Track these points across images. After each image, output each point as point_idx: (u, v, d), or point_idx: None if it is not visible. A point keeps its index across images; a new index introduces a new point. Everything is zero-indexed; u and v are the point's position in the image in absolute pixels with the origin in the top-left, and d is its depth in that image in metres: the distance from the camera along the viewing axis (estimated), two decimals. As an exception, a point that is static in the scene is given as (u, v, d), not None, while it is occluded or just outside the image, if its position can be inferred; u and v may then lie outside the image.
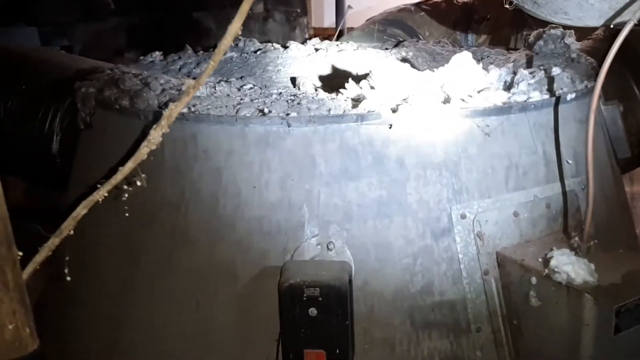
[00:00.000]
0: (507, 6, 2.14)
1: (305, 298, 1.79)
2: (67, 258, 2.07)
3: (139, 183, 1.81)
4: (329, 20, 7.35)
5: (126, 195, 1.93)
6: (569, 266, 1.87)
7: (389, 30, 3.96)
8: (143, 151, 1.53)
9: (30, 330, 1.31)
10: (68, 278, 2.08)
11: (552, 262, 1.90)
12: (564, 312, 1.88)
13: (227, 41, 1.41)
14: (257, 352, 2.00)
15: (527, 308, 1.98)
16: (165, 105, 2.15)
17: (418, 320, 2.03)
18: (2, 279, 1.24)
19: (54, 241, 1.51)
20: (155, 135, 1.52)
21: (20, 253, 1.30)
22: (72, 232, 1.54)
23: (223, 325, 2.04)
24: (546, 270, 1.90)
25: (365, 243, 2.01)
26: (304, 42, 3.39)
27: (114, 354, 2.17)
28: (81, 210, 1.53)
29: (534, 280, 1.94)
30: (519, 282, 2.00)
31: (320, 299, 1.79)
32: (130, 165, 1.53)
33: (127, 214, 2.05)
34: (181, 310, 2.06)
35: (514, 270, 2.01)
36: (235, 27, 1.40)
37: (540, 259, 1.97)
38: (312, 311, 1.80)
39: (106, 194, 1.58)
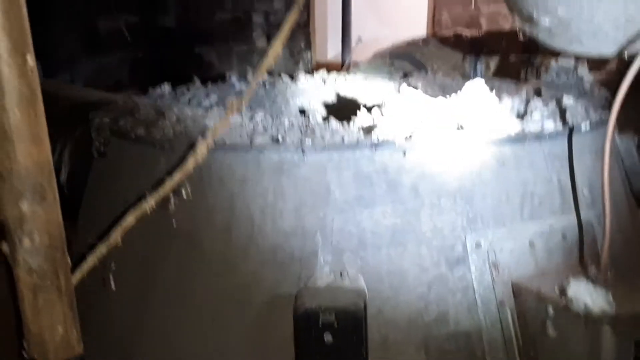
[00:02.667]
0: (520, 38, 2.16)
1: (320, 324, 1.76)
2: (113, 267, 2.07)
3: (184, 193, 1.93)
4: (332, 54, 7.44)
5: (173, 205, 1.98)
6: (587, 296, 1.85)
7: (397, 63, 3.99)
8: (190, 164, 1.63)
9: (77, 334, 1.40)
10: (113, 287, 2.09)
11: (570, 292, 1.87)
12: (581, 342, 1.85)
13: (268, 62, 1.49)
14: (271, 381, 1.97)
15: (544, 339, 1.95)
16: (181, 133, 2.16)
17: (433, 350, 1.99)
18: (56, 284, 1.33)
19: (101, 250, 1.57)
20: (202, 149, 1.62)
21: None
22: (119, 240, 1.58)
23: (236, 354, 2.01)
24: (563, 300, 1.88)
25: (379, 271, 2.00)
26: (306, 73, 3.41)
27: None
28: (130, 219, 1.60)
29: (550, 310, 1.92)
30: (535, 312, 1.97)
31: (336, 324, 1.76)
32: (178, 176, 1.62)
33: (141, 241, 2.05)
34: (194, 340, 2.04)
35: (530, 300, 1.99)
36: (277, 49, 1.48)
37: (556, 289, 1.94)
38: (328, 337, 1.77)
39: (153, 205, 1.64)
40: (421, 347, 1.99)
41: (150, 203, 1.60)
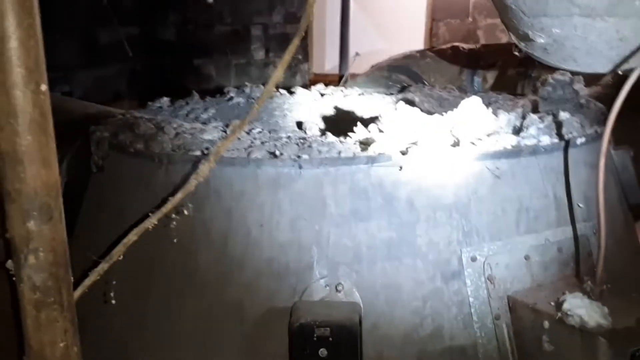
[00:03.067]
0: (516, 53, 2.18)
1: (315, 338, 1.77)
2: (114, 282, 2.10)
3: (186, 212, 1.98)
4: (330, 66, 7.49)
5: (174, 223, 2.02)
6: (582, 309, 1.85)
7: (394, 76, 4.00)
8: (192, 183, 1.74)
9: (77, 350, 1.44)
10: (113, 301, 2.11)
11: (565, 305, 1.88)
12: (577, 356, 1.85)
13: (270, 87, 1.57)
14: (265, 395, 1.97)
15: (540, 353, 1.95)
16: (179, 148, 2.18)
17: (428, 365, 2.00)
18: (59, 300, 1.38)
19: (103, 266, 1.65)
20: (204, 170, 1.73)
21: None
22: (121, 257, 1.63)
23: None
24: (559, 314, 1.88)
25: (374, 285, 2.00)
26: (303, 86, 3.43)
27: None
28: (132, 237, 1.68)
29: (546, 324, 1.92)
30: (531, 327, 1.98)
31: (330, 339, 1.77)
32: (179, 196, 1.70)
33: (139, 252, 2.06)
34: (188, 350, 2.04)
35: (526, 314, 1.99)
36: (278, 74, 1.57)
37: (552, 303, 1.95)
38: (322, 352, 1.78)
39: (156, 222, 1.75)
40: (417, 363, 1.99)
41: (152, 220, 1.65)
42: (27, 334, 1.38)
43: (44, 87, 1.29)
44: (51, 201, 1.33)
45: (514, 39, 2.23)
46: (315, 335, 1.78)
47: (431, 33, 6.70)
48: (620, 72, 2.08)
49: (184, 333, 2.06)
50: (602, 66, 2.07)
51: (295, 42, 1.54)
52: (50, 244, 1.34)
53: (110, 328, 2.20)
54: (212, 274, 2.05)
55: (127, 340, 2.15)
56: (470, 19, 6.46)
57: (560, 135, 2.24)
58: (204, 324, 2.04)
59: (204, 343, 2.04)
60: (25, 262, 1.33)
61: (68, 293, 1.40)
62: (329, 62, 7.39)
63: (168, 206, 1.73)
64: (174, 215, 1.99)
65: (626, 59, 2.02)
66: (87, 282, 1.62)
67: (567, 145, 2.19)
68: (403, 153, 2.02)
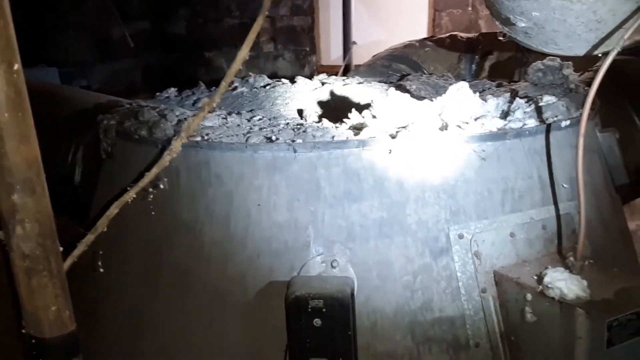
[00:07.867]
0: (500, 38, 2.27)
1: (310, 309, 1.90)
2: (100, 252, 2.26)
3: (162, 186, 2.13)
4: (335, 57, 7.59)
5: (151, 197, 2.19)
6: (562, 282, 1.96)
7: (394, 65, 4.08)
8: (166, 159, 1.83)
9: (69, 313, 1.54)
10: (101, 270, 2.28)
11: (546, 279, 1.98)
12: (557, 326, 1.96)
13: (237, 65, 1.63)
14: (266, 364, 2.10)
15: (524, 324, 2.06)
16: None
17: (419, 336, 2.12)
18: (48, 267, 1.48)
19: (89, 237, 1.74)
20: (177, 145, 1.82)
21: (61, 248, 1.54)
22: (105, 229, 1.73)
23: (234, 337, 2.15)
24: (540, 287, 1.99)
25: (367, 261, 2.12)
26: (311, 77, 3.53)
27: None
28: (114, 209, 1.77)
29: (529, 296, 2.03)
30: (515, 299, 2.09)
31: (324, 310, 1.90)
32: (155, 170, 1.78)
33: (147, 233, 2.19)
34: (194, 321, 2.19)
35: (511, 287, 2.10)
36: (243, 53, 1.62)
37: (535, 277, 2.06)
38: (317, 322, 1.91)
39: (134, 196, 1.88)
40: (407, 333, 2.11)
41: (131, 194, 1.77)
42: (22, 299, 1.49)
43: (17, 66, 1.34)
44: (33, 176, 1.42)
45: (498, 24, 2.31)
46: (309, 306, 1.90)
47: (434, 23, 6.77)
48: (599, 55, 2.16)
49: (192, 305, 2.20)
50: (582, 49, 2.15)
51: (260, 21, 1.63)
52: (35, 215, 1.43)
53: (126, 300, 2.35)
54: (215, 252, 2.18)
55: (141, 312, 2.30)
56: (471, 9, 6.52)
57: (546, 119, 2.33)
58: (210, 296, 2.18)
59: (210, 313, 2.18)
60: (13, 232, 1.43)
61: (57, 261, 1.49)
62: (335, 54, 7.49)
63: (145, 180, 1.85)
64: (150, 190, 2.14)
65: (603, 41, 2.09)
66: (76, 252, 1.74)
67: (550, 127, 2.28)
68: (393, 137, 2.13)
